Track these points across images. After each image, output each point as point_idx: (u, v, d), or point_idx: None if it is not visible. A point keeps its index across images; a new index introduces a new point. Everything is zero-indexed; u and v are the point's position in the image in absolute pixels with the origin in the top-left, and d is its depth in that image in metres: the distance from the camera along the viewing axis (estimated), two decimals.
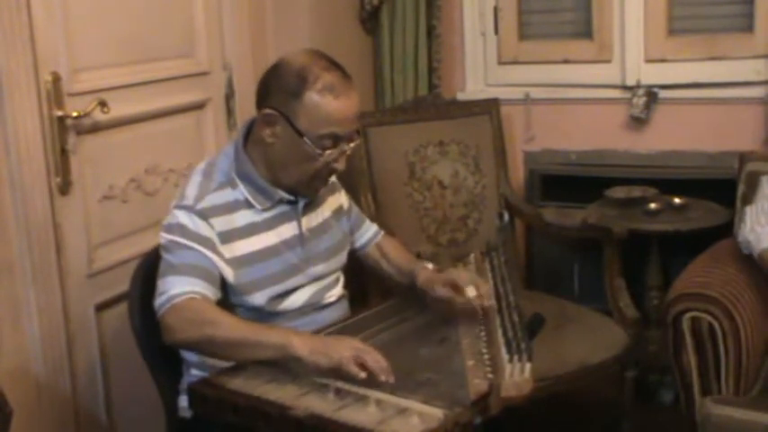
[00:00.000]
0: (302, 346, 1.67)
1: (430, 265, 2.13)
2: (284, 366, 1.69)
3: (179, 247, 1.82)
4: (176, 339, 1.78)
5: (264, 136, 1.86)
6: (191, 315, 1.75)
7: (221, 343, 1.74)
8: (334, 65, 1.86)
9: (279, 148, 1.86)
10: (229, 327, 1.74)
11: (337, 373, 1.63)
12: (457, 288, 1.96)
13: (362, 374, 1.61)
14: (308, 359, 1.66)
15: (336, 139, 1.85)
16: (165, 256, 1.84)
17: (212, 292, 1.81)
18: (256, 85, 1.92)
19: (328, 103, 1.81)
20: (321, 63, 1.84)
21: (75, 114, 2.17)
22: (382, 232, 2.28)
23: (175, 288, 1.78)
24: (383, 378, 1.61)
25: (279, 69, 1.86)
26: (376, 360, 1.63)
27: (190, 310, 1.75)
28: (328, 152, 1.85)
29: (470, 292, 1.94)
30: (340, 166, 1.89)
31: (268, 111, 1.84)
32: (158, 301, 1.79)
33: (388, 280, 2.25)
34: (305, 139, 1.82)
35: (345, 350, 1.64)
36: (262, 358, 1.71)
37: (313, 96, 1.80)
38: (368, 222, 2.26)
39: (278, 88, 1.84)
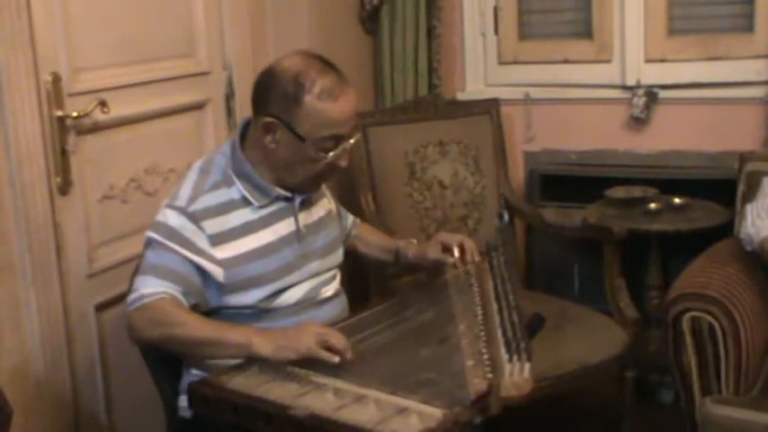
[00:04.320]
0: (264, 344, 1.69)
1: (414, 241, 2.22)
2: (282, 365, 1.69)
3: (162, 248, 1.83)
4: (140, 337, 1.82)
5: (266, 142, 1.87)
6: (155, 315, 1.77)
7: (184, 342, 1.77)
8: (328, 65, 1.87)
9: (281, 152, 1.87)
10: (192, 327, 1.76)
11: (306, 361, 1.66)
12: (446, 249, 2.07)
13: (336, 359, 1.65)
14: (275, 357, 1.68)
15: (338, 139, 1.86)
16: (147, 253, 1.86)
17: (184, 296, 1.82)
18: (252, 90, 1.91)
19: (328, 106, 1.82)
20: (316, 66, 1.84)
21: (75, 114, 2.17)
22: (358, 220, 2.34)
23: (147, 288, 1.80)
24: (348, 356, 1.66)
25: (274, 76, 1.85)
26: (339, 340, 1.67)
27: (155, 310, 1.78)
28: (332, 153, 1.86)
29: (456, 252, 2.07)
30: (344, 163, 1.90)
31: (268, 119, 1.84)
32: (130, 297, 1.82)
33: (368, 261, 2.34)
34: (307, 143, 1.83)
35: (308, 338, 1.67)
36: (225, 357, 1.75)
37: (312, 102, 1.81)
38: (344, 211, 2.29)
39: (276, 95, 1.83)
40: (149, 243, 1.86)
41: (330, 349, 1.66)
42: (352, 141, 1.90)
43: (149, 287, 1.80)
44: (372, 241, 2.29)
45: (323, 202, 2.10)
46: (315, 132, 1.83)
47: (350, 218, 2.30)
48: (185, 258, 1.82)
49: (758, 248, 2.43)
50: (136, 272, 2.02)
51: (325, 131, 1.83)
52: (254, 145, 1.91)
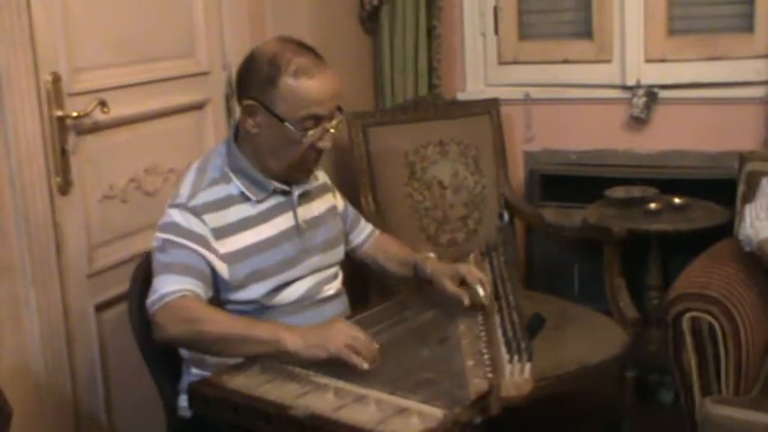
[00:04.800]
0: (294, 340, 1.68)
1: (432, 254, 2.16)
2: (282, 365, 1.69)
3: (172, 246, 1.84)
4: (167, 336, 1.79)
5: (248, 127, 1.89)
6: (181, 313, 1.77)
7: (211, 339, 1.75)
8: (305, 48, 1.89)
9: (263, 136, 1.88)
10: (219, 323, 1.75)
11: (334, 362, 1.65)
12: (464, 284, 1.98)
13: (365, 365, 1.63)
14: (305, 354, 1.67)
15: (318, 120, 1.86)
16: (159, 255, 1.85)
17: (204, 291, 1.82)
18: (235, 78, 1.94)
19: (304, 84, 1.83)
20: (291, 48, 1.87)
21: (75, 114, 2.17)
22: (378, 231, 2.31)
23: (167, 287, 1.79)
24: (373, 365, 1.64)
25: (252, 60, 1.89)
26: (368, 349, 1.66)
27: (180, 309, 1.77)
28: (311, 133, 1.86)
29: (480, 291, 1.96)
30: (325, 144, 1.90)
31: (247, 102, 1.87)
32: (150, 299, 1.81)
33: (388, 275, 2.29)
34: (286, 123, 1.84)
35: (340, 339, 1.66)
36: (253, 354, 1.72)
37: (288, 80, 1.82)
38: (363, 221, 2.29)
39: (254, 78, 1.86)
40: (159, 246, 1.86)
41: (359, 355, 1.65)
42: (333, 123, 1.90)
43: (168, 286, 1.79)
44: (392, 253, 2.25)
45: (325, 198, 2.11)
46: (293, 112, 1.84)
47: (367, 229, 2.28)
48: (196, 252, 1.83)
49: (757, 250, 2.43)
50: (137, 273, 2.03)
51: (303, 111, 1.84)
52: (244, 135, 1.93)
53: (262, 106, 1.85)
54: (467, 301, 1.96)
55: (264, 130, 1.87)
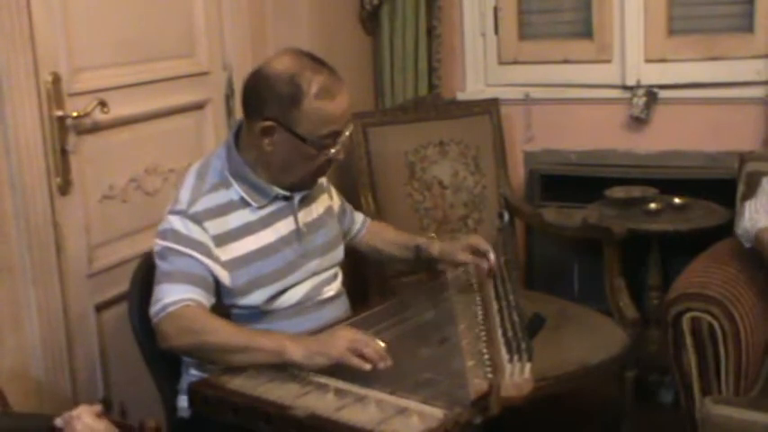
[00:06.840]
0: (297, 350, 1.68)
1: (434, 235, 2.18)
2: (283, 366, 1.69)
3: (173, 254, 1.83)
4: (171, 346, 1.80)
5: (263, 145, 1.86)
6: (185, 323, 1.77)
7: (216, 349, 1.76)
8: (320, 63, 1.87)
9: (279, 154, 1.87)
10: (224, 333, 1.76)
11: (339, 367, 1.64)
12: (477, 252, 2.09)
13: (367, 366, 1.63)
14: (307, 363, 1.67)
15: (337, 135, 1.87)
16: (160, 262, 1.85)
17: (206, 299, 1.82)
18: (242, 94, 1.91)
19: (327, 105, 1.82)
20: (309, 65, 1.84)
21: (75, 114, 2.17)
22: (369, 218, 2.33)
23: (170, 296, 1.79)
24: (382, 365, 1.64)
25: (267, 79, 1.84)
26: (374, 349, 1.65)
27: (184, 318, 1.77)
28: (332, 150, 1.87)
29: (492, 256, 2.10)
30: (341, 155, 1.91)
31: (266, 123, 1.84)
32: (153, 308, 1.81)
33: (388, 260, 2.33)
34: (307, 143, 1.83)
35: (341, 345, 1.66)
36: (257, 363, 1.73)
37: (311, 102, 1.81)
38: (356, 213, 2.30)
39: (272, 98, 1.83)
40: (159, 253, 1.86)
41: (362, 357, 1.65)
42: (347, 134, 1.90)
43: (170, 295, 1.79)
44: (390, 238, 2.28)
45: (323, 199, 2.10)
46: (315, 131, 1.83)
47: (359, 218, 2.29)
48: (197, 260, 1.82)
49: (754, 241, 2.41)
50: (137, 273, 2.02)
51: (324, 129, 1.83)
52: (249, 147, 1.91)
53: (282, 127, 1.83)
54: (485, 265, 2.08)
55: (281, 148, 1.85)
